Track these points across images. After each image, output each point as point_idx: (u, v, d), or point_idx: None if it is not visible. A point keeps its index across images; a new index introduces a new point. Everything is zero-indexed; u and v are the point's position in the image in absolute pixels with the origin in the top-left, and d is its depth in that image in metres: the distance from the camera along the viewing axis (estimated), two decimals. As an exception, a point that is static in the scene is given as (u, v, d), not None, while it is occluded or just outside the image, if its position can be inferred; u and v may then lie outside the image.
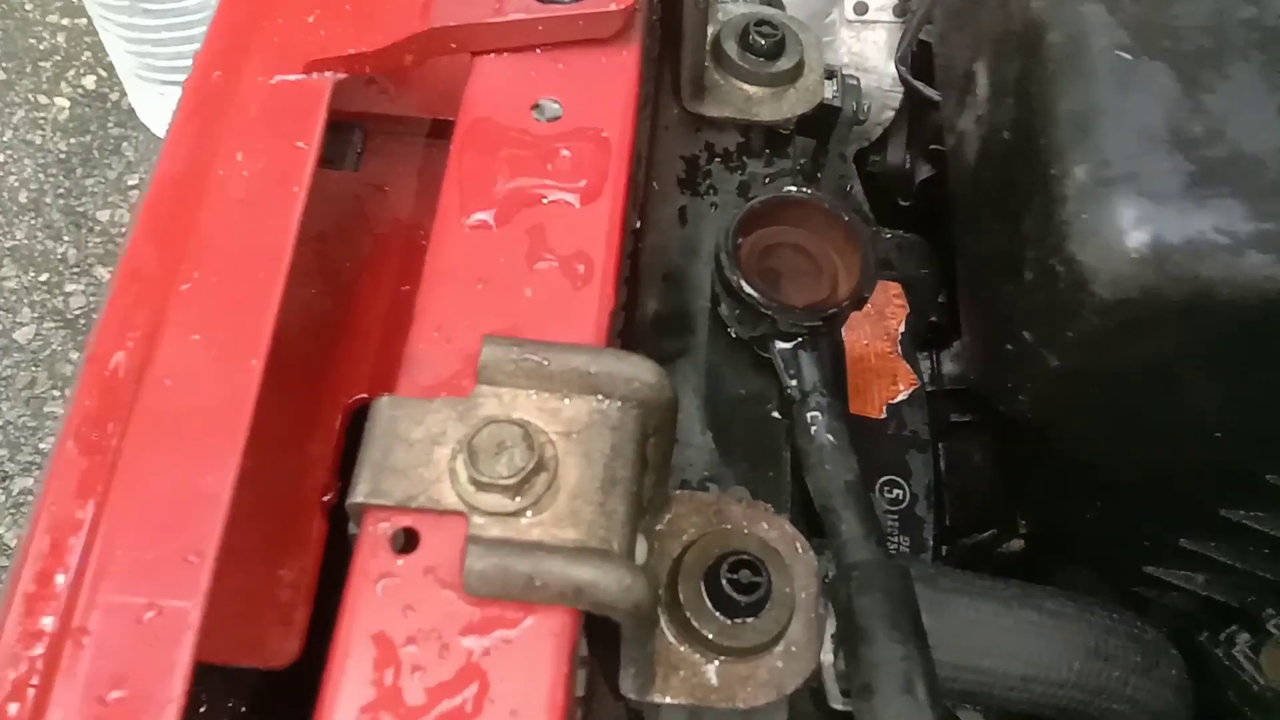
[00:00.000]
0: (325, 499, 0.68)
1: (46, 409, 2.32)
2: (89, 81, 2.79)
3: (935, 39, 0.95)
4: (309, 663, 0.63)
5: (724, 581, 0.61)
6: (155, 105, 2.60)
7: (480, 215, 0.62)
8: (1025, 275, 0.66)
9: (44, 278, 2.49)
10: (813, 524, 0.70)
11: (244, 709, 0.69)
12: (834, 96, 0.93)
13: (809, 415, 0.72)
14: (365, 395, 0.72)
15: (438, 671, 0.49)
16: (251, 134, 0.65)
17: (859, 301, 0.75)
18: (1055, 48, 0.66)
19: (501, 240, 0.61)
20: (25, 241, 2.53)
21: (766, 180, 0.87)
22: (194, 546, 0.52)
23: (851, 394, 0.94)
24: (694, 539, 0.64)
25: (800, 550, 0.66)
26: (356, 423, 0.70)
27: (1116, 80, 0.63)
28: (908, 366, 0.97)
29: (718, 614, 0.61)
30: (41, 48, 2.82)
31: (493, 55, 0.68)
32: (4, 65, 2.78)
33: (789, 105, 0.86)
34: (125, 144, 2.69)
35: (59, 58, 2.82)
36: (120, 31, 2.33)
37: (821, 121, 0.93)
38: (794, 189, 0.78)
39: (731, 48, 0.86)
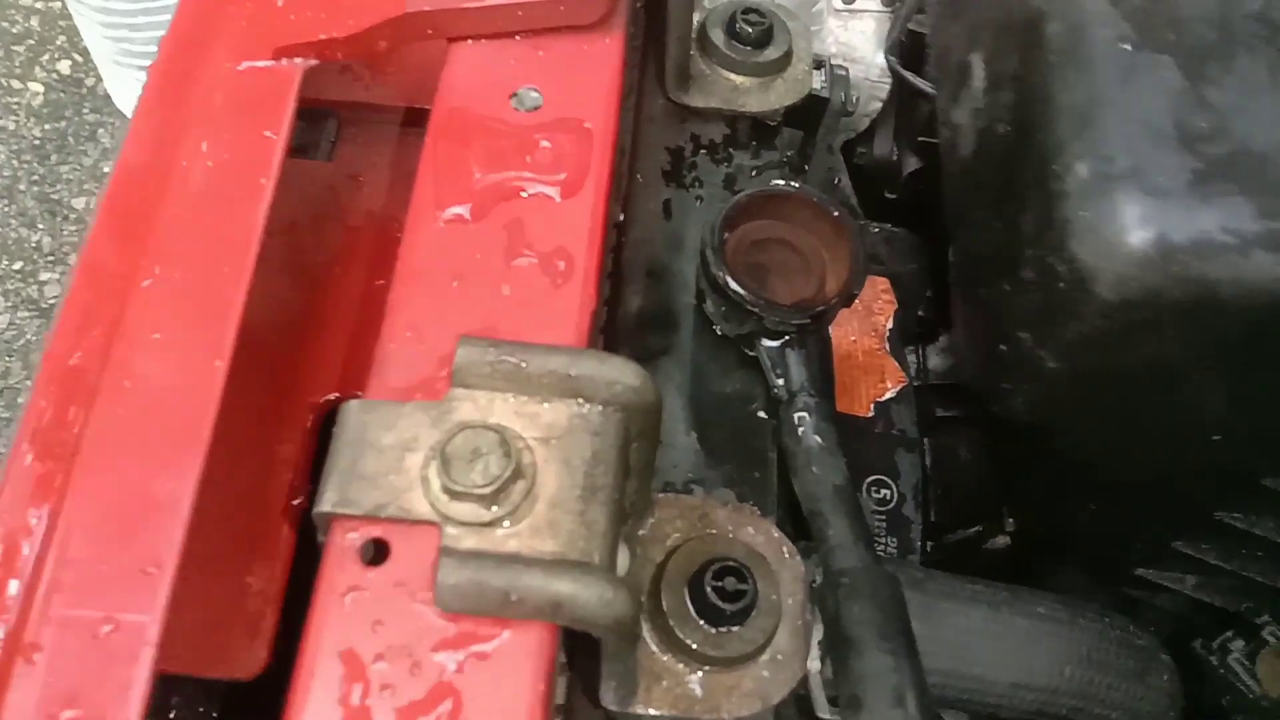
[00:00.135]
0: (295, 503, 0.65)
1: (21, 400, 2.28)
2: (64, 66, 2.74)
3: (929, 29, 0.93)
4: (283, 669, 0.61)
5: (708, 589, 0.60)
6: (132, 91, 2.55)
7: (456, 209, 0.59)
8: (1023, 274, 0.64)
9: (18, 266, 2.44)
10: (800, 526, 0.68)
11: (216, 715, 0.67)
12: (822, 87, 0.91)
13: (796, 415, 0.70)
14: (338, 395, 0.69)
15: (408, 690, 0.47)
16: (217, 123, 0.62)
17: (848, 299, 0.73)
18: (1055, 39, 0.64)
19: (478, 235, 0.59)
20: (-2, 229, 2.49)
21: (753, 173, 0.85)
22: (153, 557, 0.49)
23: (839, 392, 0.92)
24: (678, 544, 0.62)
25: (787, 555, 0.64)
26: (329, 424, 0.67)
27: (1119, 73, 0.61)
28: (896, 364, 0.95)
29: (702, 622, 0.60)
30: (15, 31, 2.77)
31: (470, 42, 0.66)
32: (-24, 49, 2.74)
33: (776, 96, 0.84)
34: (101, 130, 2.65)
35: (32, 42, 2.77)
36: (96, 16, 2.29)
37: (809, 113, 0.91)
38: (781, 182, 0.76)
39: (718, 36, 0.84)
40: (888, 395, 0.93)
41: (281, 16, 0.65)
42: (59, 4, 2.71)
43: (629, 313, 0.76)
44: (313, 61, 0.64)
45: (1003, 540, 0.98)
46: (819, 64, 0.92)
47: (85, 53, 2.63)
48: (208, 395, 0.53)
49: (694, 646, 0.59)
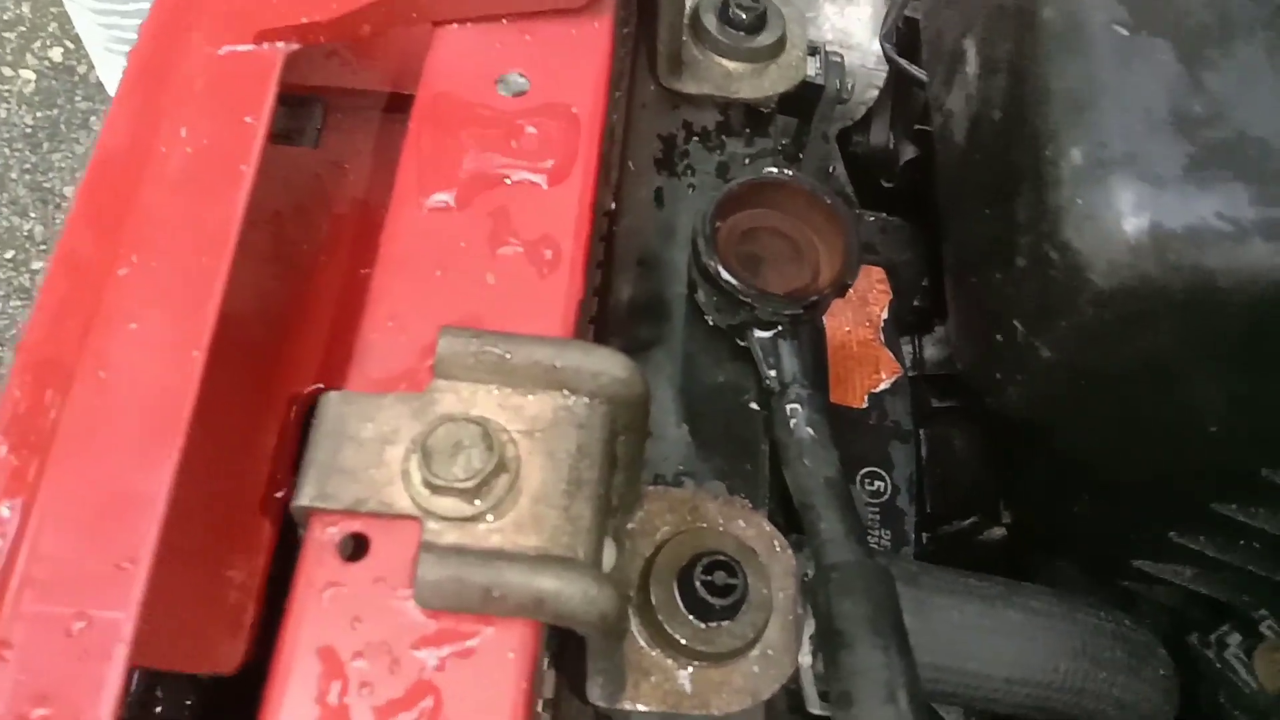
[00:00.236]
0: (278, 496, 0.64)
1: (12, 389, 2.26)
2: (55, 54, 2.72)
3: (923, 14, 0.92)
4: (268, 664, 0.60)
5: (698, 584, 0.59)
6: (124, 79, 2.53)
7: (440, 196, 0.58)
8: (1016, 262, 0.63)
9: (9, 255, 2.43)
10: (792, 518, 0.67)
11: (203, 708, 0.66)
12: (817, 74, 0.90)
13: (788, 407, 0.69)
14: (322, 386, 0.68)
15: (388, 688, 0.46)
16: (197, 109, 0.61)
17: (841, 289, 0.72)
18: (1050, 23, 0.63)
19: (462, 223, 0.57)
20: (-11, 218, 2.47)
21: (746, 161, 0.84)
22: (127, 552, 0.48)
23: (833, 383, 0.91)
24: (667, 538, 0.62)
25: (778, 549, 0.63)
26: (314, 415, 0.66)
27: (1114, 58, 0.60)
28: (890, 354, 0.94)
29: (691, 617, 0.59)
30: (5, 18, 2.75)
31: (455, 25, 0.64)
32: (-33, 36, 2.72)
33: (770, 82, 0.83)
34: (93, 118, 2.63)
35: (24, 29, 2.75)
36: (87, 2, 2.27)
37: (804, 100, 0.90)
38: (774, 170, 0.75)
39: (710, 21, 0.83)
40: (882, 386, 0.92)
41: (264, 0, 0.64)
42: (51, -9, 2.70)
43: (620, 302, 0.75)
44: (295, 46, 0.63)
45: (998, 532, 0.97)
46: (813, 50, 0.91)
47: (77, 40, 2.61)
48: (185, 386, 0.52)
49: (683, 642, 0.58)
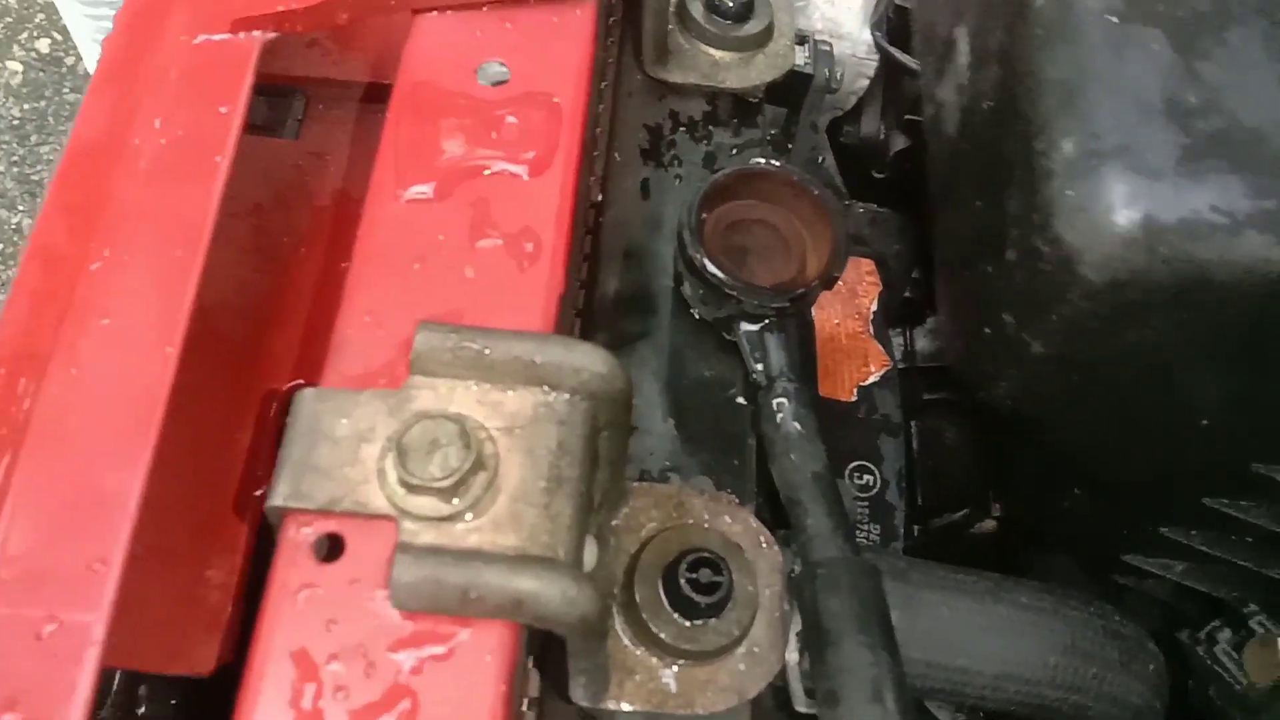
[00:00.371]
0: (258, 494, 0.63)
1: None
2: (43, 45, 2.70)
3: (914, 2, 0.91)
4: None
5: (683, 581, 0.59)
6: (111, 69, 2.51)
7: (418, 188, 0.57)
8: (1007, 255, 0.62)
9: (-4, 248, 2.41)
10: (780, 513, 0.67)
11: (188, 708, 0.65)
12: (805, 63, 0.89)
13: (775, 402, 0.68)
14: (303, 381, 0.67)
15: (363, 692, 0.45)
16: (171, 99, 0.59)
17: (829, 281, 0.71)
18: (1042, 12, 0.62)
19: (441, 215, 0.56)
20: (-24, 210, 2.45)
21: (734, 151, 0.83)
22: (99, 553, 0.47)
23: (821, 375, 0.91)
24: (652, 534, 0.61)
25: (764, 545, 0.63)
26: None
27: (1107, 47, 0.59)
28: (879, 347, 0.93)
29: (676, 615, 0.59)
30: (-8, 9, 2.73)
31: (435, 13, 0.63)
32: (-47, 27, 2.69)
33: (757, 72, 0.82)
34: (81, 110, 2.60)
35: (10, 20, 2.72)
36: (74, -8, 2.25)
37: (792, 89, 0.89)
38: (761, 161, 0.74)
39: (697, 9, 0.82)
40: (871, 379, 0.91)
41: (240, -13, 0.63)
42: (37, -19, 2.67)
43: (606, 295, 0.74)
44: (272, 34, 0.62)
45: (990, 524, 0.97)
46: (802, 39, 0.90)
47: (65, 31, 2.59)
48: (158, 383, 0.51)
49: (668, 640, 0.58)
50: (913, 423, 0.95)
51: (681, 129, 0.83)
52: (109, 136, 0.59)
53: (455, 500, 0.47)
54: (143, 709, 0.66)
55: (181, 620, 0.59)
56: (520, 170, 0.58)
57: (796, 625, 0.61)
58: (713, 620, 0.58)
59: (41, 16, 2.72)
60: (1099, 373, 0.65)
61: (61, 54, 2.67)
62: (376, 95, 0.77)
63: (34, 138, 2.56)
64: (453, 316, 0.53)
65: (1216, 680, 0.75)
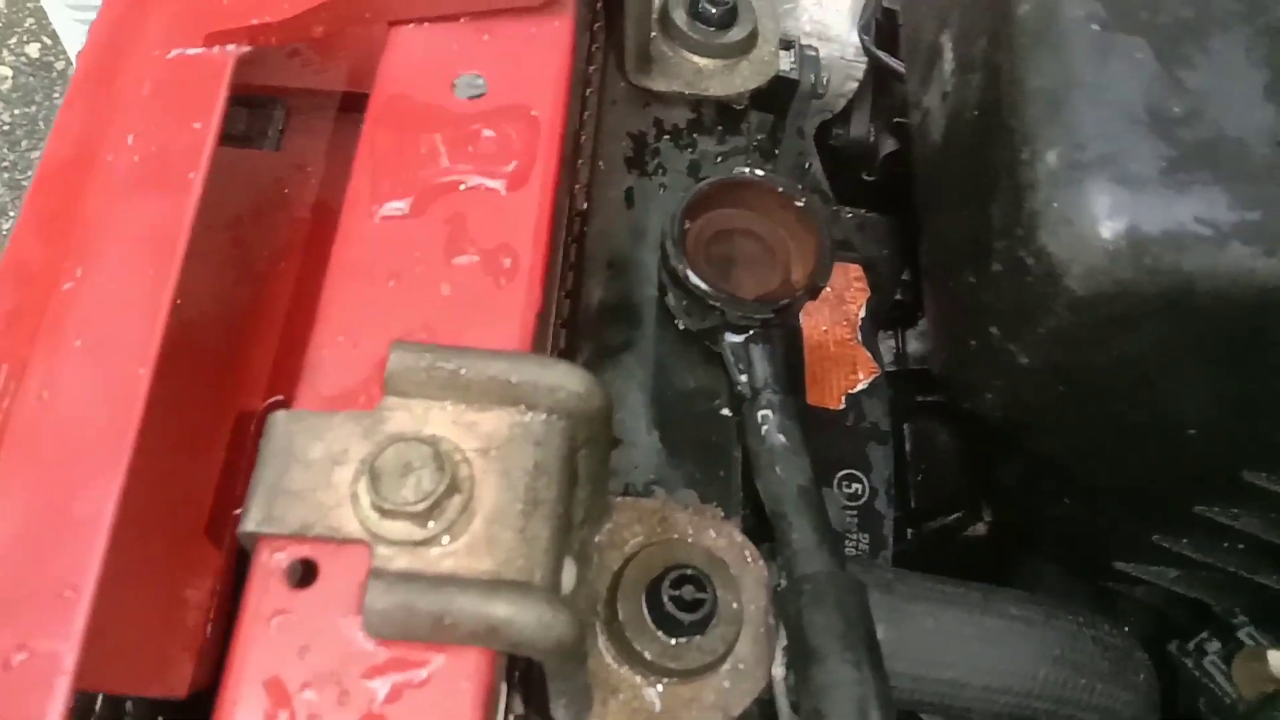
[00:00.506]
0: (236, 512, 0.62)
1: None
2: (33, 50, 2.69)
3: (900, 7, 0.90)
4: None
5: (666, 598, 0.58)
6: (101, 74, 2.50)
7: (394, 204, 0.56)
8: (993, 266, 0.62)
9: (-13, 254, 2.40)
10: (766, 524, 0.66)
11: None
12: (791, 69, 0.88)
13: (760, 414, 0.67)
14: (282, 398, 0.66)
15: (337, 720, 0.44)
16: (144, 114, 0.59)
17: (813, 291, 0.70)
18: (1026, 20, 0.61)
19: (417, 231, 0.55)
20: (-34, 216, 2.44)
21: (719, 159, 0.82)
22: (70, 579, 0.47)
23: (809, 383, 0.90)
24: (636, 550, 0.60)
25: (749, 560, 0.62)
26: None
27: (1091, 55, 0.58)
28: (868, 354, 0.92)
29: (660, 633, 0.58)
30: (-20, 13, 2.72)
31: (411, 25, 0.62)
32: (-58, 32, 2.68)
33: (741, 79, 0.81)
34: (71, 114, 2.59)
35: (0, 24, 2.71)
36: (63, -3, 2.24)
37: (777, 95, 0.88)
38: (745, 169, 0.73)
39: (680, 16, 0.81)
40: (859, 387, 0.90)
41: (214, 1, 0.62)
42: (26, -15, 2.66)
43: (590, 306, 0.74)
44: (246, 48, 0.61)
45: (982, 528, 0.96)
46: (787, 45, 0.89)
47: (55, 35, 2.58)
48: (130, 406, 0.50)
49: (651, 658, 0.57)
50: (905, 425, 0.95)
51: (666, 137, 0.82)
52: (82, 152, 0.59)
53: (430, 524, 0.46)
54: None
55: (156, 642, 0.58)
56: (498, 185, 0.57)
57: (783, 640, 0.61)
58: (697, 638, 0.58)
59: (31, 21, 2.71)
60: (1086, 383, 0.64)
61: (51, 59, 2.67)
62: (359, 104, 0.76)
63: (25, 143, 2.55)
64: (428, 335, 0.52)
65: (1205, 692, 0.75)
